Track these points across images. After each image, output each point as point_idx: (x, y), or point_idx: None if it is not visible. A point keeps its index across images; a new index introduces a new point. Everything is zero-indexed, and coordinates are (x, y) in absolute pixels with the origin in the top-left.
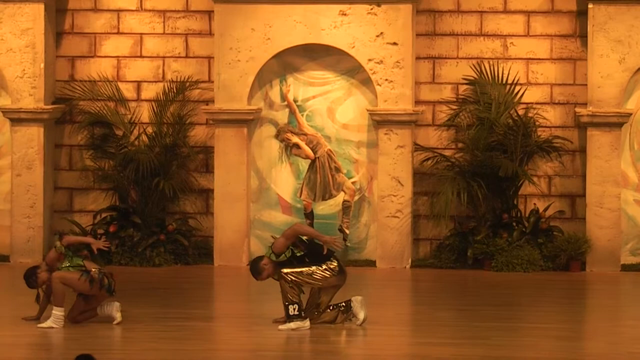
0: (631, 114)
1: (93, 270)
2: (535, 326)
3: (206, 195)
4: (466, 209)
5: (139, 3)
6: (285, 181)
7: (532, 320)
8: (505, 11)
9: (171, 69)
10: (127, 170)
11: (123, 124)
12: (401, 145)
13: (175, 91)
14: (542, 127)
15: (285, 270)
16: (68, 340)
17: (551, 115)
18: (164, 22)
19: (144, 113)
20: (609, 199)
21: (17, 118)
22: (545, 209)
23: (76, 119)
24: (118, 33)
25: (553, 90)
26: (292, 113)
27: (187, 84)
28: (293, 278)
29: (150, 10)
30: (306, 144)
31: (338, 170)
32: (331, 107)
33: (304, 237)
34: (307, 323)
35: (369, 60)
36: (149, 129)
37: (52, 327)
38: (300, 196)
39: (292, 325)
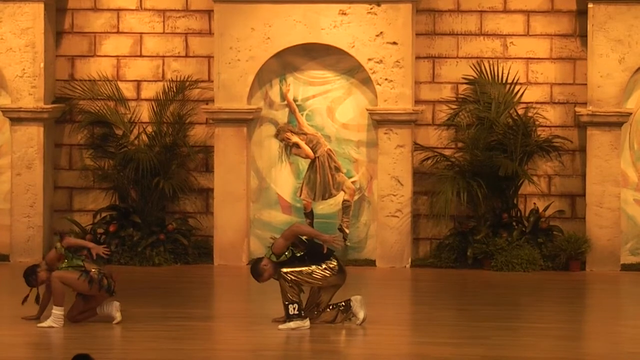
0: (631, 114)
1: (93, 270)
2: (535, 326)
3: (206, 194)
4: (466, 208)
5: (138, 2)
6: (285, 181)
7: (532, 320)
8: (505, 11)
9: (171, 69)
10: (127, 170)
11: (123, 124)
12: (401, 145)
13: (175, 90)
14: (542, 126)
15: (285, 270)
16: (68, 339)
17: (551, 115)
18: (163, 21)
19: (144, 112)
20: (608, 198)
21: (17, 117)
22: (545, 209)
23: (76, 119)
24: (118, 32)
25: (553, 89)
26: (292, 112)
27: (187, 83)
28: (293, 277)
29: (150, 10)
30: (306, 143)
31: (338, 169)
32: (331, 106)
33: (304, 237)
34: (306, 322)
35: (369, 59)
36: (149, 129)
37: (52, 327)
38: (300, 196)
39: (292, 324)
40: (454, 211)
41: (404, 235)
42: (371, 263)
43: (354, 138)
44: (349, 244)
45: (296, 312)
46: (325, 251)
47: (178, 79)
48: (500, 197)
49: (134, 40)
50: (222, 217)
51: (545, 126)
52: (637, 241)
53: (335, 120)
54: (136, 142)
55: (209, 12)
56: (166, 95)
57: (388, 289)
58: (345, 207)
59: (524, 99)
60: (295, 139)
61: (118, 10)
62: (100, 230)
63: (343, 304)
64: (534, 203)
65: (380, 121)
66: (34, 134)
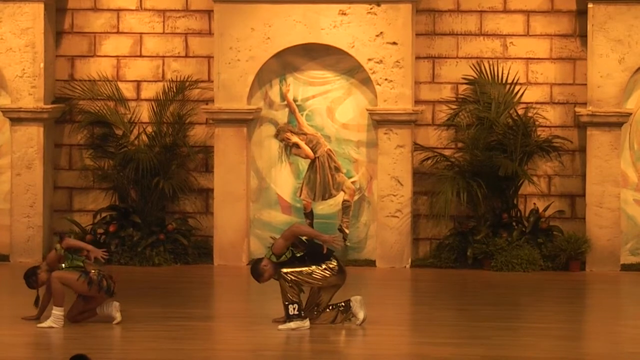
0: (631, 114)
1: (92, 271)
2: (535, 326)
3: (206, 194)
4: (466, 208)
5: (138, 2)
6: (285, 181)
7: (532, 320)
8: (505, 11)
9: (171, 69)
10: (127, 170)
11: (123, 124)
12: (401, 145)
13: (175, 91)
14: (541, 126)
15: (285, 270)
16: (68, 339)
17: (551, 115)
18: (163, 21)
19: (144, 112)
20: (608, 198)
21: (17, 117)
22: (545, 209)
23: (76, 119)
24: (118, 32)
25: (553, 89)
26: (291, 112)
27: (187, 83)
28: (293, 277)
29: (150, 10)
30: (306, 143)
31: (338, 169)
32: (331, 106)
33: (304, 237)
34: (306, 323)
35: (369, 59)
36: (149, 129)
37: (52, 327)
38: (300, 196)
39: (292, 324)
40: (454, 211)
41: (404, 236)
42: (371, 263)
43: (353, 138)
44: (348, 244)
45: (296, 312)
46: (325, 251)
47: (178, 79)
48: (500, 197)
49: (134, 41)
50: (222, 217)
51: (545, 126)
52: (637, 241)
53: (335, 121)
54: (136, 142)
55: (209, 12)
56: (166, 96)
57: (388, 289)
58: (345, 207)
59: (524, 99)
60: (295, 139)
61: (118, 10)
62: (100, 231)
63: (343, 304)
64: (534, 203)
65: (380, 121)
66: (34, 134)
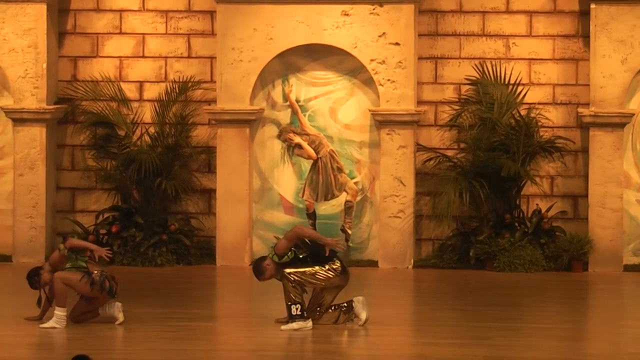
0: (633, 114)
1: (95, 272)
2: (538, 326)
3: (208, 195)
4: (468, 209)
5: (141, 3)
6: (287, 181)
7: (534, 321)
8: (508, 11)
9: (173, 69)
10: (130, 171)
11: (125, 124)
12: (403, 146)
13: (177, 91)
14: (544, 127)
15: (288, 270)
16: (70, 340)
17: (553, 116)
18: (166, 22)
19: (147, 113)
20: (611, 199)
21: (20, 118)
22: (548, 209)
23: (78, 119)
24: (120, 33)
25: (555, 90)
26: (294, 113)
27: (190, 84)
28: (296, 278)
29: (152, 11)
30: (308, 144)
31: (340, 170)
32: (333, 107)
33: (306, 239)
34: (309, 323)
35: (371, 60)
36: (152, 129)
37: (55, 327)
38: (303, 196)
39: (295, 325)
40: (457, 212)
41: (407, 236)
42: (373, 264)
43: (356, 139)
44: (351, 244)
45: (299, 312)
46: (327, 253)
47: (180, 80)
48: (503, 197)
49: (137, 41)
50: (225, 217)
51: (548, 127)
52: None
53: (338, 121)
54: (139, 142)
55: (212, 13)
56: (169, 96)
57: (390, 290)
58: (348, 207)
59: (527, 99)
60: (297, 139)
61: (120, 11)
62: (102, 231)
63: (345, 304)
64: (537, 204)
65: (382, 122)
66: (37, 134)
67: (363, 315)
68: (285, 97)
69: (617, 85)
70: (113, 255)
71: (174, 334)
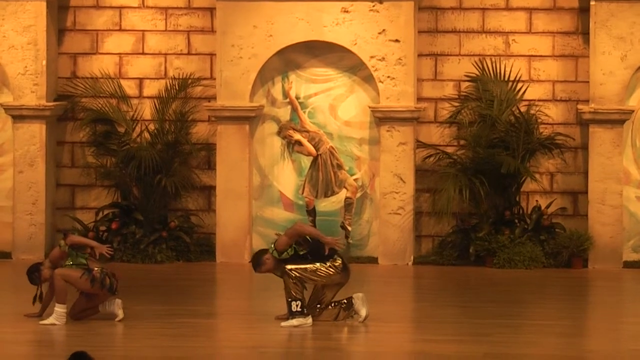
0: (633, 111)
1: (95, 269)
2: (537, 323)
3: (208, 192)
4: (468, 206)
5: (140, 0)
6: (287, 178)
7: (534, 317)
8: (507, 8)
9: (173, 66)
10: (129, 168)
11: (125, 121)
12: (403, 142)
13: (177, 88)
14: (544, 124)
15: (289, 267)
16: (70, 337)
17: (553, 112)
18: (166, 19)
19: (146, 110)
20: (611, 196)
21: (19, 115)
22: (548, 206)
23: (78, 116)
24: (120, 30)
25: (555, 87)
26: (294, 110)
27: (189, 81)
28: (297, 274)
29: (152, 7)
30: (308, 141)
31: (340, 167)
32: (333, 104)
33: (308, 236)
34: (309, 320)
35: (371, 57)
36: (151, 126)
37: (54, 324)
38: (303, 193)
39: (295, 322)
40: (456, 209)
41: (406, 233)
42: (373, 260)
43: (356, 135)
44: (351, 241)
45: (299, 309)
46: (327, 252)
47: (180, 77)
48: (503, 194)
49: (136, 38)
50: (225, 214)
51: (548, 124)
52: (639, 238)
53: (338, 118)
54: (138, 139)
55: (211, 10)
56: (168, 93)
57: (390, 287)
58: (348, 204)
59: (526, 96)
60: (297, 136)
61: (120, 7)
62: (102, 228)
63: (345, 301)
64: (536, 200)
65: (382, 119)
66: (36, 131)
67: (363, 312)
68: (285, 94)
69: (616, 82)
70: (114, 252)
71: (174, 331)
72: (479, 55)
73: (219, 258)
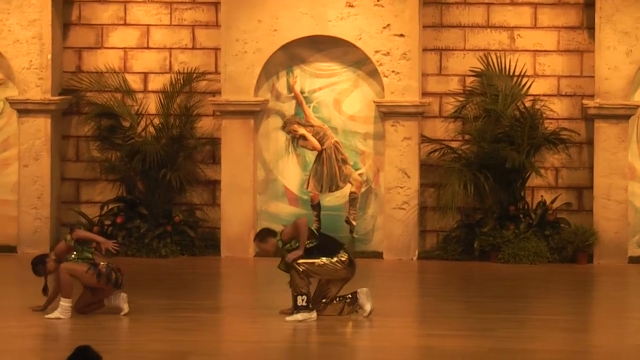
0: (638, 106)
1: (101, 264)
2: (542, 318)
3: (213, 186)
4: (473, 201)
5: None
6: (292, 173)
7: (539, 312)
8: (512, 3)
9: (178, 61)
10: (134, 162)
11: (130, 116)
12: (408, 137)
13: (182, 83)
14: (549, 119)
15: (298, 260)
16: (75, 331)
17: (558, 107)
18: (170, 13)
19: (151, 104)
20: (616, 191)
21: (24, 109)
22: (553, 201)
23: (83, 110)
24: (125, 24)
25: (560, 82)
26: (298, 105)
27: (194, 75)
28: (304, 268)
29: (157, 2)
30: (313, 135)
31: (345, 161)
32: (338, 98)
33: (315, 229)
34: (314, 315)
35: (376, 52)
36: (156, 121)
37: (60, 318)
38: (307, 188)
39: (299, 316)
40: (461, 203)
41: (411, 228)
42: (378, 255)
43: (360, 130)
44: (356, 236)
45: (304, 303)
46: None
47: (185, 71)
48: (507, 189)
49: (141, 32)
50: (229, 209)
51: (553, 119)
52: None
53: (342, 113)
54: (143, 134)
55: (216, 4)
56: (173, 87)
57: (395, 281)
58: (352, 199)
59: (531, 91)
60: (302, 131)
61: (125, 2)
62: (107, 222)
63: (350, 296)
64: (541, 195)
65: (387, 113)
66: (41, 125)
67: (367, 307)
68: (290, 89)
69: (622, 77)
70: (119, 247)
71: (178, 325)
72: (484, 50)
73: (224, 252)
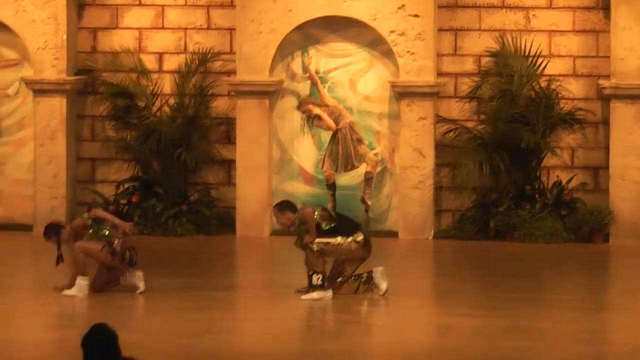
0: None
1: (116, 242)
2: (557, 297)
3: (228, 166)
4: (488, 180)
5: None
6: (307, 152)
7: (554, 292)
8: None
9: (193, 41)
10: (149, 142)
11: (145, 96)
12: (423, 117)
13: (197, 63)
14: (564, 99)
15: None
16: (91, 309)
17: (574, 88)
18: None
19: (166, 84)
20: (631, 171)
21: (40, 89)
22: (568, 181)
23: (98, 90)
24: (140, 5)
25: (576, 62)
26: (313, 85)
27: (209, 55)
28: (320, 248)
29: None
30: (328, 115)
31: (360, 141)
32: (353, 78)
33: (331, 210)
34: (329, 293)
35: (391, 32)
36: (171, 101)
37: (76, 296)
38: (323, 167)
39: (315, 295)
40: (476, 183)
41: (426, 207)
42: (393, 234)
43: (375, 110)
44: (371, 215)
45: (320, 282)
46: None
47: (200, 51)
48: (523, 169)
49: (156, 13)
50: (244, 188)
51: (568, 99)
52: None
53: (357, 93)
54: (158, 114)
55: None
56: (188, 68)
57: (410, 261)
58: (368, 178)
59: (547, 71)
60: (317, 111)
61: None
62: (123, 201)
63: (365, 275)
64: (557, 175)
65: (402, 93)
66: (57, 105)
67: (383, 286)
68: (305, 69)
69: (637, 58)
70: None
71: (194, 304)
72: (499, 30)
73: (239, 231)
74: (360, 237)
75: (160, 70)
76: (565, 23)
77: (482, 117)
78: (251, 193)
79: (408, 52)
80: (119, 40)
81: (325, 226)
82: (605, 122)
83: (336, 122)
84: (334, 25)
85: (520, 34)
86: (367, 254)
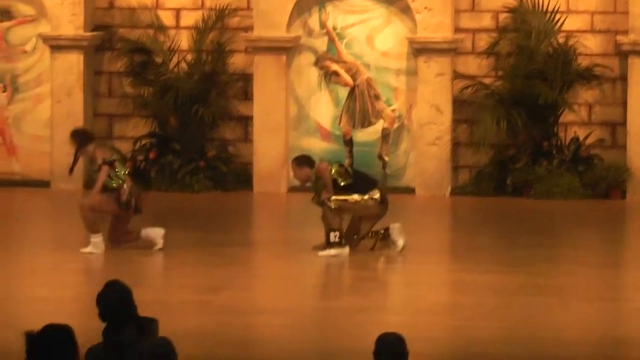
0: None
1: (125, 187)
2: (574, 254)
3: (245, 122)
4: (506, 137)
5: None
6: (324, 109)
7: (571, 248)
8: None
9: None
10: (167, 98)
11: (162, 52)
12: (440, 73)
13: (214, 19)
14: (582, 55)
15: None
16: (107, 264)
17: (592, 43)
18: None
19: (183, 41)
20: None
21: (57, 45)
22: (586, 137)
23: (115, 46)
24: None
25: (594, 18)
26: (331, 41)
27: (226, 11)
28: (337, 205)
29: None
30: (345, 71)
31: (377, 97)
32: (370, 35)
33: (349, 166)
34: (346, 250)
35: None
36: (188, 57)
37: (92, 253)
38: (340, 123)
39: (332, 251)
40: (494, 139)
41: (444, 164)
42: (410, 191)
43: (393, 66)
44: (388, 172)
45: (337, 239)
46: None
47: (217, 8)
48: (540, 125)
49: None
50: (261, 144)
51: (586, 55)
52: None
53: (375, 49)
54: (175, 70)
55: None
56: (205, 24)
57: (427, 217)
58: (385, 135)
59: (565, 27)
60: (334, 67)
61: None
62: (140, 157)
63: (382, 231)
64: (575, 131)
65: (419, 50)
66: (74, 61)
67: (400, 242)
68: (322, 25)
69: None
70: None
71: (210, 260)
72: None
73: (256, 188)
74: (377, 194)
75: (177, 27)
76: None
77: (500, 73)
78: (268, 149)
79: (426, 8)
80: None
81: (341, 182)
82: (623, 78)
83: (353, 78)
84: None
85: None
86: (384, 211)
